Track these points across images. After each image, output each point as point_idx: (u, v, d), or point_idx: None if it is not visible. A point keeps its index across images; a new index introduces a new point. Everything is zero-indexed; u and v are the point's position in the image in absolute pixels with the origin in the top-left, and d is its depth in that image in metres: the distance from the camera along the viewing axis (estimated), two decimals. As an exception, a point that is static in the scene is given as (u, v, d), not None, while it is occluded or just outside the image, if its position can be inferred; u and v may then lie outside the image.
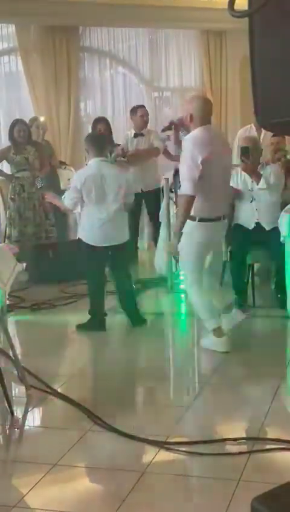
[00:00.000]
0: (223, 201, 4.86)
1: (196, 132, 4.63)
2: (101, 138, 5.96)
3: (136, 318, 5.58)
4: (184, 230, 4.68)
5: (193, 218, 4.69)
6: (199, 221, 4.69)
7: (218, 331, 4.86)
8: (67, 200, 5.40)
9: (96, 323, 5.48)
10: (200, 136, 4.61)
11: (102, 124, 7.40)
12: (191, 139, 4.63)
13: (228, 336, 4.90)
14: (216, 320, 4.88)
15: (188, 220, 4.67)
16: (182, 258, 4.93)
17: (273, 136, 6.93)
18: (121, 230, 5.45)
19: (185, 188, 4.59)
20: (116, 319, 5.71)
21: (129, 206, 5.54)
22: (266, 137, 7.36)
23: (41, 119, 8.34)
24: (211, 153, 4.55)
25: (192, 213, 4.66)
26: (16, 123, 7.52)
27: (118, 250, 5.41)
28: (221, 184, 4.74)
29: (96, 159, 5.37)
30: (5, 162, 7.71)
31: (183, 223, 4.63)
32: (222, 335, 4.86)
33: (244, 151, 5.72)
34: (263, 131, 7.35)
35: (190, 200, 4.58)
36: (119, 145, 7.59)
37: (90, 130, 7.97)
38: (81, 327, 5.51)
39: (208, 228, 4.74)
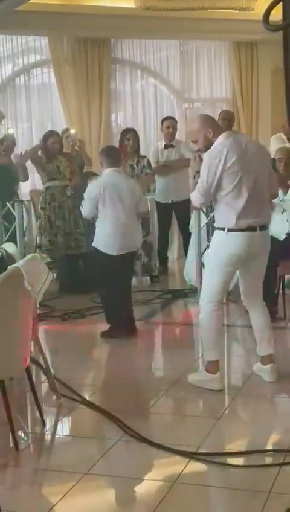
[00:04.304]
0: (259, 209, 4.31)
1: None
2: (114, 149, 6.06)
3: (131, 327, 5.69)
4: (214, 239, 4.49)
5: (222, 228, 4.36)
6: (227, 231, 4.29)
7: (213, 366, 4.42)
8: (85, 210, 5.63)
9: (117, 330, 5.59)
10: (218, 143, 4.29)
11: (130, 134, 7.43)
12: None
13: (221, 371, 4.46)
14: (217, 353, 4.45)
15: (217, 231, 4.42)
16: (206, 269, 4.65)
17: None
18: (134, 239, 5.66)
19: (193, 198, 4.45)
20: (146, 330, 5.73)
21: (142, 215, 5.76)
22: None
23: (72, 131, 8.41)
24: (232, 160, 4.18)
25: (220, 223, 4.36)
26: (51, 135, 7.62)
27: (128, 257, 5.60)
28: (253, 190, 4.25)
29: (110, 169, 5.56)
30: (35, 173, 7.81)
31: None
32: (216, 371, 4.41)
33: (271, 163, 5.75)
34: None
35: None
36: (145, 156, 7.60)
37: (120, 141, 8.01)
38: (104, 334, 5.64)
39: (240, 240, 4.30)
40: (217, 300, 4.44)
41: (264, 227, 4.36)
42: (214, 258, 4.47)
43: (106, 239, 5.52)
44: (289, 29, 1.59)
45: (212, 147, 4.26)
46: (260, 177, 4.30)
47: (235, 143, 4.25)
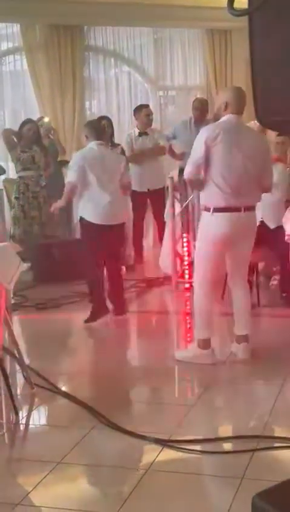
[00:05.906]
0: (246, 191, 4.43)
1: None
2: (99, 123, 6.12)
3: (120, 306, 5.71)
4: (201, 222, 4.60)
5: (207, 209, 4.46)
6: (213, 211, 4.41)
7: (204, 342, 4.57)
8: (72, 177, 5.50)
9: (98, 309, 5.58)
10: (219, 121, 4.52)
11: (104, 121, 7.41)
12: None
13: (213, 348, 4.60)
14: (208, 331, 4.59)
15: (203, 212, 4.54)
16: (197, 251, 4.73)
17: (279, 135, 6.91)
18: (121, 209, 5.68)
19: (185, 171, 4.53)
20: (121, 319, 5.73)
21: (126, 186, 5.74)
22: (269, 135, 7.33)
23: (46, 119, 8.35)
24: (223, 140, 4.34)
25: (207, 203, 4.47)
26: (28, 122, 7.57)
27: (116, 230, 5.57)
28: (241, 173, 4.38)
29: (95, 142, 5.53)
30: (9, 162, 7.75)
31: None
32: (208, 347, 4.57)
33: None
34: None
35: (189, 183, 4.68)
36: (119, 144, 7.58)
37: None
38: (88, 320, 5.59)
39: (225, 220, 4.42)
40: (208, 282, 4.54)
41: (249, 208, 4.48)
42: (202, 239, 4.58)
43: (92, 209, 5.49)
44: (254, 14, 1.58)
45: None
46: (252, 163, 4.42)
47: (232, 125, 4.41)
